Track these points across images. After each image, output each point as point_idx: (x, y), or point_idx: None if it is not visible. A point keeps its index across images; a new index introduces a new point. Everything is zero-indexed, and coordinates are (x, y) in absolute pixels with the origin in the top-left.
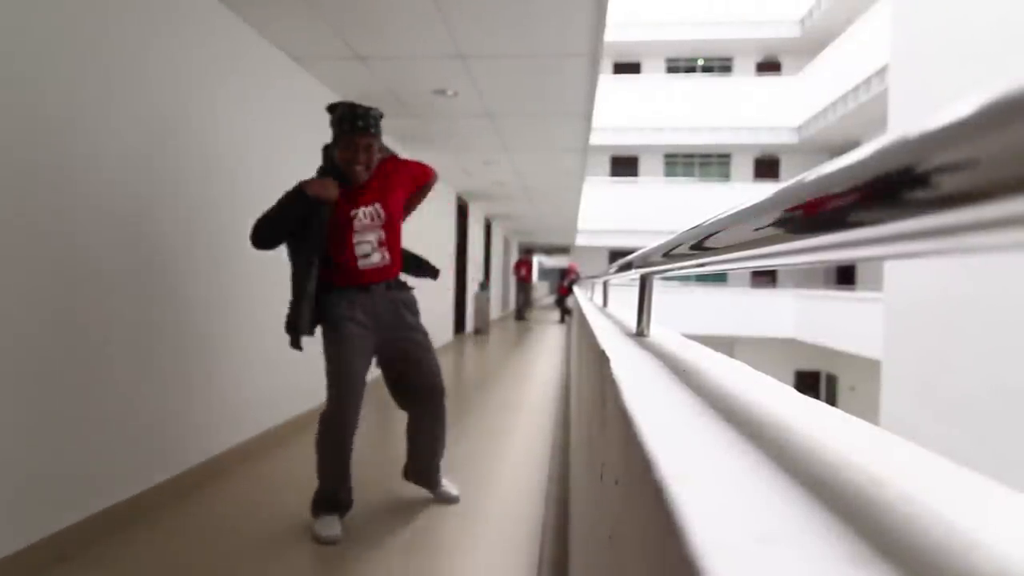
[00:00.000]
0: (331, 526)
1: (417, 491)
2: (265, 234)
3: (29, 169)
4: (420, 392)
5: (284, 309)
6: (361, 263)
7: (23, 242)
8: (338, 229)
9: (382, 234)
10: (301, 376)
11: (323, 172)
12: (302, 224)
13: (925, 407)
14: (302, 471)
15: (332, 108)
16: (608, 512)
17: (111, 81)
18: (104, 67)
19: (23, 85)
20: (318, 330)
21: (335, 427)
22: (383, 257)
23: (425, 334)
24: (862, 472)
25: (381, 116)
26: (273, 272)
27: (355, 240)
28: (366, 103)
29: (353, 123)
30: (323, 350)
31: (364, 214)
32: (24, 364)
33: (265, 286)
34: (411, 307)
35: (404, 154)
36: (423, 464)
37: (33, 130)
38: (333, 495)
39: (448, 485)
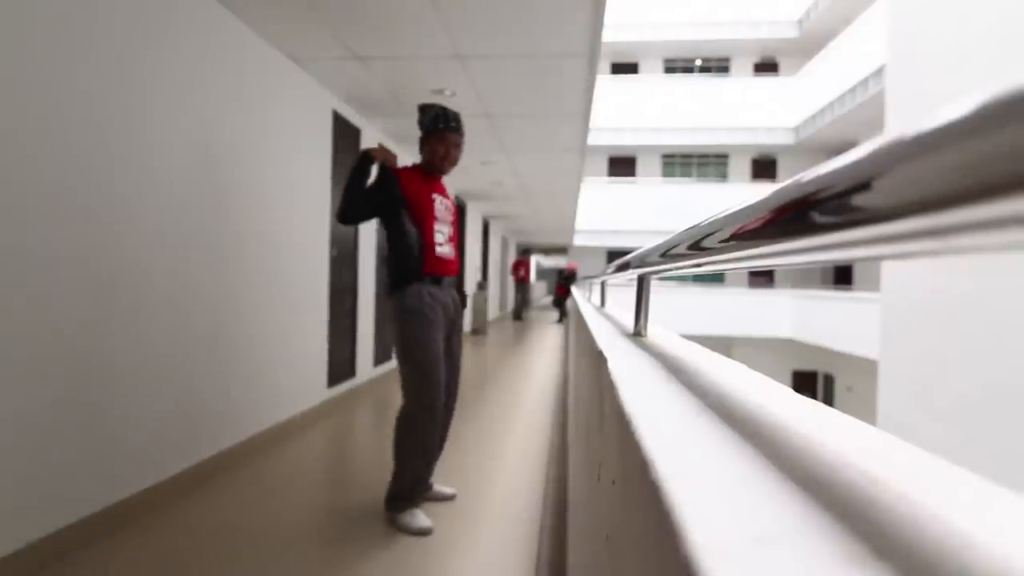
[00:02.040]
0: (421, 517)
1: None
2: (346, 206)
3: (33, 170)
4: (449, 382)
5: (283, 308)
6: (438, 249)
7: (25, 243)
8: (420, 206)
9: (451, 230)
10: (302, 376)
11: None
12: (379, 196)
13: (922, 407)
14: (303, 470)
15: (426, 108)
16: (606, 512)
17: (107, 81)
18: (100, 67)
19: (21, 82)
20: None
21: (429, 417)
22: (452, 251)
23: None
24: (859, 472)
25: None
26: (274, 273)
27: (435, 226)
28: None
29: (448, 122)
30: (402, 340)
31: (440, 202)
32: (24, 364)
33: (267, 284)
34: (461, 309)
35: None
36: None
37: (31, 129)
38: (418, 487)
39: (440, 486)
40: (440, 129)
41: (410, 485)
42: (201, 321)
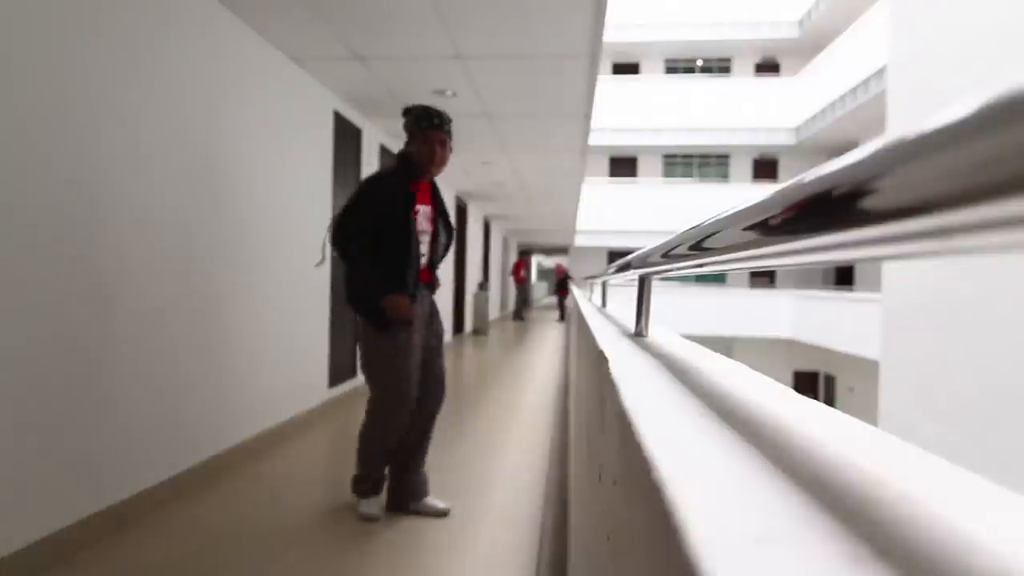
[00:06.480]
0: (375, 506)
1: None
2: (352, 257)
3: (32, 171)
4: (428, 388)
5: (284, 308)
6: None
7: (23, 245)
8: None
9: (429, 237)
10: (302, 376)
11: (399, 169)
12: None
13: (923, 407)
14: (304, 470)
15: (408, 111)
16: (607, 513)
17: (107, 81)
18: (100, 67)
19: (18, 82)
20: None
21: (394, 419)
22: (428, 259)
23: (443, 335)
24: (860, 473)
25: (451, 121)
26: (274, 272)
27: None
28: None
29: (430, 120)
30: (373, 345)
31: (423, 211)
32: (25, 364)
33: (268, 284)
34: (437, 309)
35: None
36: (407, 462)
37: (28, 130)
38: (377, 479)
39: (434, 500)
40: (423, 128)
41: (364, 475)
42: (202, 321)
